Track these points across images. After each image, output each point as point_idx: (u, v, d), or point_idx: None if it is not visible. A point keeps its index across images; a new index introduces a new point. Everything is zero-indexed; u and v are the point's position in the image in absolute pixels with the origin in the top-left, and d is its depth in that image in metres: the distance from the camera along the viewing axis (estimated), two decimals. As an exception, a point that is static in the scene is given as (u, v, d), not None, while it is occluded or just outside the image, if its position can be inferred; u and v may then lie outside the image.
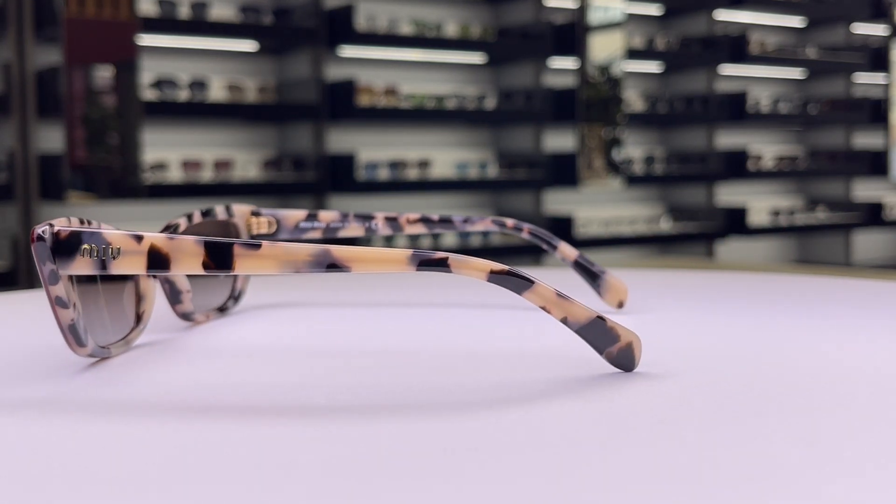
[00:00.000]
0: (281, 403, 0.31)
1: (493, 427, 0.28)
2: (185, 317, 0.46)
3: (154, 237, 0.33)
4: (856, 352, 0.39)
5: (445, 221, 0.46)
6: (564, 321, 0.33)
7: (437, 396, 0.31)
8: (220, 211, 0.48)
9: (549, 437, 0.27)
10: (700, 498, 0.22)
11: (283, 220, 0.49)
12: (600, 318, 0.32)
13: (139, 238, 0.33)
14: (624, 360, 0.33)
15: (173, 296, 0.45)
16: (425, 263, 0.31)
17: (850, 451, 0.25)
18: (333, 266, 0.31)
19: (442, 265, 0.31)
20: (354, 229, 0.47)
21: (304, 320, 0.48)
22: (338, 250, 0.31)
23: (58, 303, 0.34)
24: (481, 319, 0.47)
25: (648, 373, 0.34)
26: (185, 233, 0.45)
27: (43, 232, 0.33)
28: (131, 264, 0.33)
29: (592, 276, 0.44)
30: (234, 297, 0.51)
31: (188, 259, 0.32)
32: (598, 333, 0.33)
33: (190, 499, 0.22)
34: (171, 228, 0.44)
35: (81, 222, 0.35)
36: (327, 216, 0.48)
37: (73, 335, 0.35)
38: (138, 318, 0.41)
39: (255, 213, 0.49)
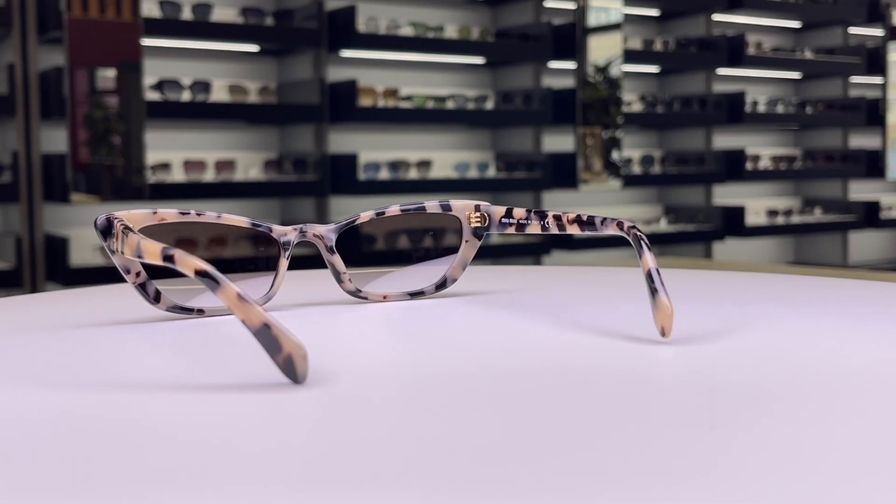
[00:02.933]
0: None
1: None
2: (353, 294, 0.51)
3: (116, 228, 0.42)
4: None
5: (590, 223, 0.48)
6: (244, 323, 0.33)
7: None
8: (432, 206, 0.53)
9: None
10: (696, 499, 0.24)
11: (491, 215, 0.53)
12: (266, 325, 0.32)
13: (115, 225, 0.42)
14: (289, 370, 0.33)
15: (336, 275, 0.50)
16: (166, 259, 0.37)
17: (854, 451, 0.26)
18: (139, 255, 0.39)
19: (171, 261, 0.36)
20: (535, 226, 0.51)
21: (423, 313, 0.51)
22: (144, 242, 0.39)
23: (122, 269, 0.45)
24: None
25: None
26: (358, 224, 0.52)
27: (98, 219, 0.43)
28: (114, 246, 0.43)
29: (651, 293, 0.41)
30: (439, 284, 0.54)
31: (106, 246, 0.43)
32: (267, 340, 0.33)
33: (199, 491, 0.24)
34: (349, 221, 0.51)
35: (182, 213, 0.46)
36: (518, 213, 0.52)
37: (141, 294, 0.45)
38: (269, 291, 0.49)
39: (476, 208, 0.53)
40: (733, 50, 4.04)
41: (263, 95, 3.18)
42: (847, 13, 4.54)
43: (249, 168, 3.15)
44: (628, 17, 3.86)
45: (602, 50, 3.67)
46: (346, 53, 3.24)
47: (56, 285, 2.71)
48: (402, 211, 0.53)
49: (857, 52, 4.61)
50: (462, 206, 0.53)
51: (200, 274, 0.34)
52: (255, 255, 0.48)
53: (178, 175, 2.99)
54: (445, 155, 3.56)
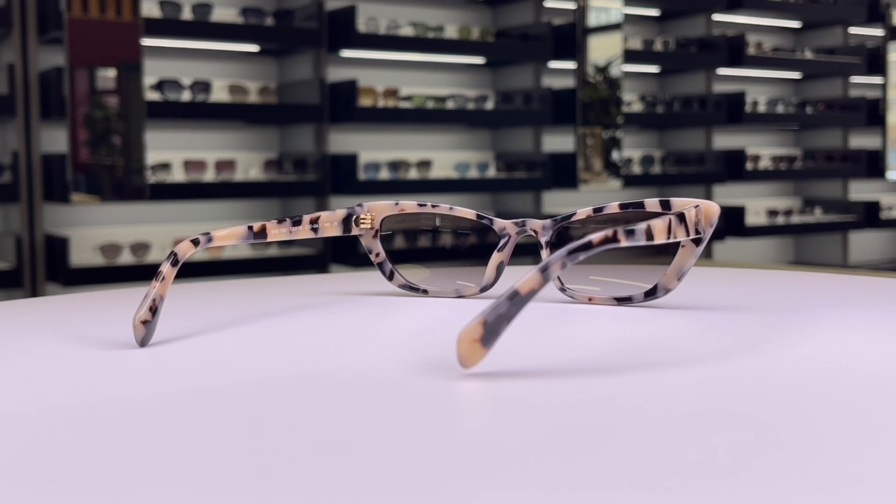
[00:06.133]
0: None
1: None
2: (562, 291, 0.53)
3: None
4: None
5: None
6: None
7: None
8: (651, 203, 0.49)
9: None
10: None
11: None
12: (145, 297, 0.40)
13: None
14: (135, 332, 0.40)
15: None
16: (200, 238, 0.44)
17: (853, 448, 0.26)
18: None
19: (205, 239, 0.45)
20: (678, 231, 0.50)
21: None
22: (235, 228, 0.46)
23: (367, 249, 0.53)
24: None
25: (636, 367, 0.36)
26: (576, 220, 0.51)
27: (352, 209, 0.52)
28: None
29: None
30: (648, 292, 0.50)
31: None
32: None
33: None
34: (566, 217, 0.51)
35: (420, 205, 0.53)
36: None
37: (380, 270, 0.54)
38: (483, 280, 0.53)
39: (696, 206, 0.50)
40: (733, 50, 4.04)
41: (263, 95, 3.17)
42: (847, 13, 4.54)
43: (249, 168, 3.15)
44: (628, 17, 3.86)
45: (602, 50, 3.66)
46: (346, 53, 3.24)
47: (56, 285, 2.71)
48: (620, 207, 0.50)
49: (857, 52, 4.61)
50: (681, 204, 0.47)
51: (171, 257, 0.42)
52: (478, 245, 0.54)
53: (178, 175, 2.99)
54: (445, 155, 3.56)
